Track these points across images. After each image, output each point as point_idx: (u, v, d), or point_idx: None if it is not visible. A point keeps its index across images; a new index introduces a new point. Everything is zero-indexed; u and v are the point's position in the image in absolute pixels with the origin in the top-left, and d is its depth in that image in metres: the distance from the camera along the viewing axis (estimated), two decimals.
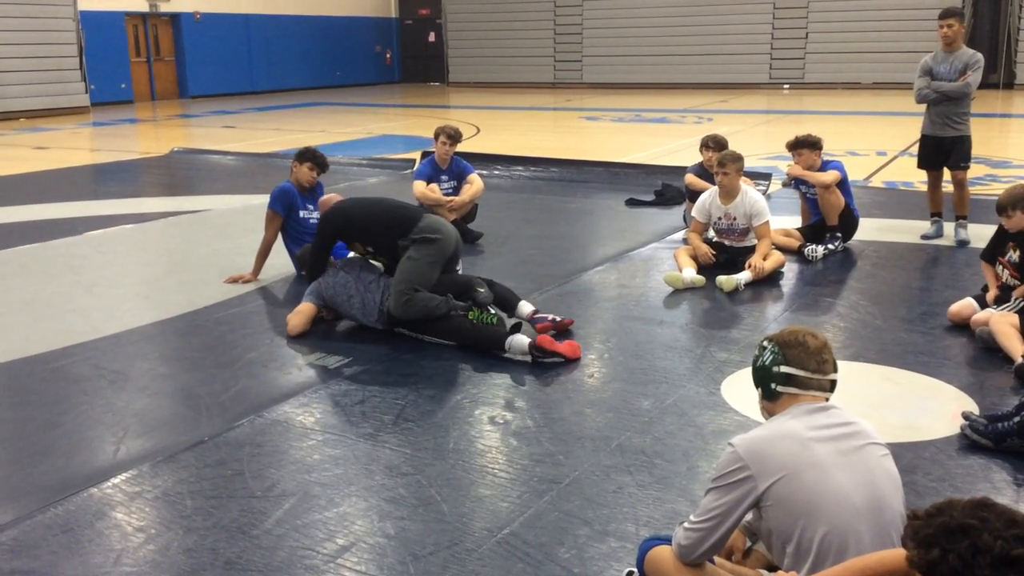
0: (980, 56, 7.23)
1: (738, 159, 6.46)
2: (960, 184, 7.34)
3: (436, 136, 7.78)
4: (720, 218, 6.57)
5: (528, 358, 4.73)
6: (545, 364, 4.70)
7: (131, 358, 5.00)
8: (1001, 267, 5.24)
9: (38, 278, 6.70)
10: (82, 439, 3.96)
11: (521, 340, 4.76)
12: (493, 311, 5.08)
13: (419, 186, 7.73)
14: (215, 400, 4.33)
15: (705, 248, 6.46)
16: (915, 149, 7.72)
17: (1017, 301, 4.95)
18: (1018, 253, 5.14)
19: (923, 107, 7.45)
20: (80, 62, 21.88)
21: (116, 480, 3.54)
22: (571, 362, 4.75)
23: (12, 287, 6.47)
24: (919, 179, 8.11)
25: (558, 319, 5.20)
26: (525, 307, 5.29)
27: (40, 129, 18.41)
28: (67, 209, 9.48)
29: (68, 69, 21.68)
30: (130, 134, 18.21)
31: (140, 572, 2.93)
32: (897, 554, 1.89)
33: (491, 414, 4.13)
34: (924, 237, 7.45)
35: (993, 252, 5.32)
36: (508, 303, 5.27)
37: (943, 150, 7.32)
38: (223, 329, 5.42)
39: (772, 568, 2.52)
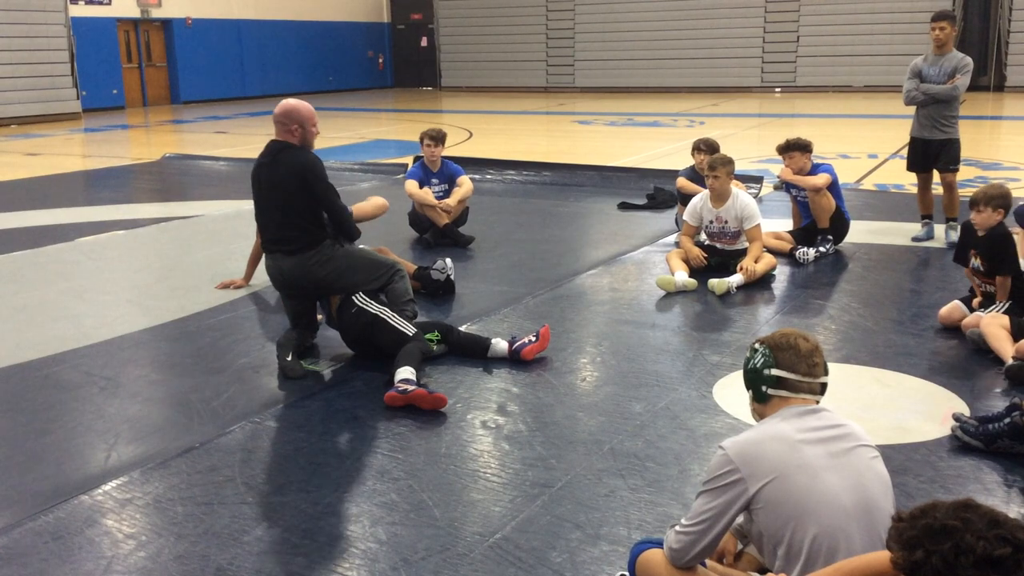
0: (969, 60, 7.26)
1: (728, 163, 6.48)
2: (950, 186, 7.37)
3: (421, 140, 7.84)
4: (711, 221, 6.58)
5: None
6: (536, 368, 4.72)
7: (122, 364, 4.99)
8: (975, 278, 5.25)
9: (29, 284, 6.68)
10: (73, 446, 3.95)
11: (501, 345, 4.84)
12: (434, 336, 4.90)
13: (411, 185, 7.75)
14: (206, 406, 4.32)
15: (697, 251, 6.47)
16: (906, 152, 7.75)
17: (1002, 304, 4.98)
18: (979, 260, 5.17)
19: (913, 109, 7.48)
20: (72, 68, 21.86)
21: (107, 487, 3.53)
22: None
23: (3, 294, 6.45)
24: (910, 182, 8.14)
25: (534, 339, 4.84)
26: (500, 345, 4.85)
27: (32, 135, 18.37)
28: (58, 215, 9.46)
29: (60, 75, 21.66)
30: (122, 140, 18.17)
31: None
32: (884, 556, 1.89)
33: (483, 418, 4.13)
34: (915, 239, 7.47)
35: (963, 258, 5.34)
36: (478, 347, 4.87)
37: (931, 153, 7.35)
38: (215, 335, 5.41)
39: (763, 570, 2.52)
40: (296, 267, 4.79)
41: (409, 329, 4.67)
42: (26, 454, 3.85)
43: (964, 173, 8.07)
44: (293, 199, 4.76)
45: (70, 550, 3.09)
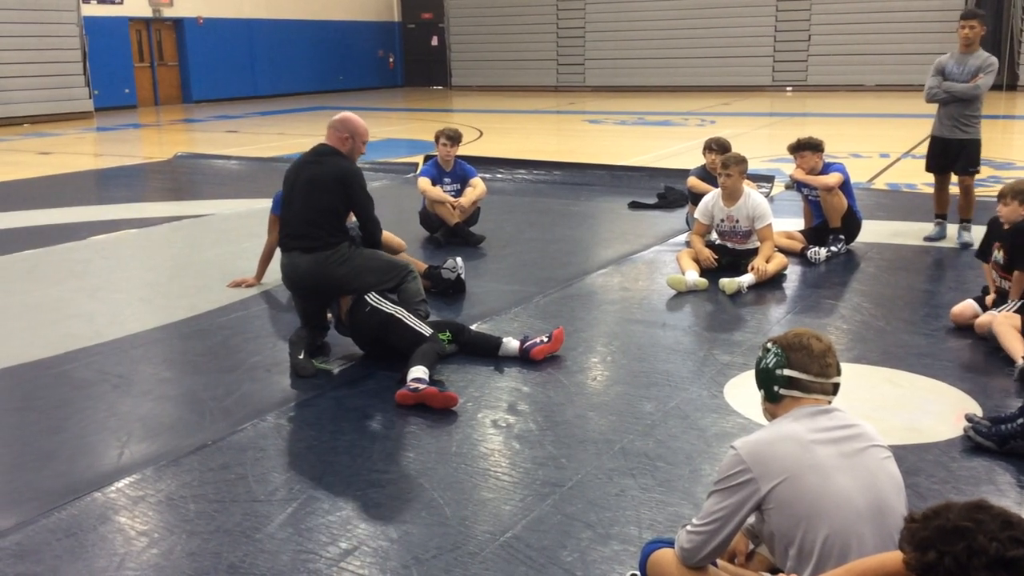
0: (994, 60, 7.12)
1: (741, 161, 6.47)
2: (967, 189, 7.29)
3: (436, 139, 7.82)
4: (723, 220, 6.57)
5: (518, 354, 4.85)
6: (547, 367, 4.72)
7: (134, 362, 5.01)
8: (993, 271, 5.26)
9: (42, 283, 6.71)
10: (86, 443, 3.97)
11: (512, 344, 4.85)
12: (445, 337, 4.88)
13: (424, 182, 7.75)
14: (218, 404, 4.34)
15: (707, 252, 6.45)
16: (918, 151, 7.72)
17: (1014, 302, 4.96)
18: (1002, 253, 5.16)
19: (928, 108, 7.42)
20: (84, 67, 21.95)
21: (120, 484, 3.55)
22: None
23: (16, 292, 6.48)
24: (922, 181, 8.11)
25: (546, 339, 4.86)
26: (511, 344, 4.87)
27: (44, 134, 18.45)
28: (71, 214, 9.50)
29: (72, 74, 21.74)
30: (133, 139, 18.24)
31: None
32: (897, 556, 1.89)
33: (494, 417, 4.13)
34: (927, 239, 7.43)
35: (985, 252, 5.36)
36: (489, 346, 4.90)
37: (951, 153, 7.25)
38: (226, 333, 5.42)
39: (775, 571, 2.52)
40: (313, 264, 4.82)
41: (425, 330, 4.68)
42: (39, 451, 3.87)
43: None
44: (327, 200, 4.85)
45: (83, 547, 3.11)
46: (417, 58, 32.56)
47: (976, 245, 6.97)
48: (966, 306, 5.23)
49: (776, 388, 2.49)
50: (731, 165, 6.40)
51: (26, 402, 4.43)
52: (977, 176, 7.44)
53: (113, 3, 23.56)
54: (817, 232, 7.15)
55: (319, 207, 4.84)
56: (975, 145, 7.24)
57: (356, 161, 5.08)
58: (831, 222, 7.05)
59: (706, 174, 7.65)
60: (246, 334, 5.41)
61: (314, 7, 29.22)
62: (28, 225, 8.93)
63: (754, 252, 6.42)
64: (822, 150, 7.15)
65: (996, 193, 5.35)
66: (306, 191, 4.89)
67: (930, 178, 7.64)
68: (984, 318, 5.00)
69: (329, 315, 5.18)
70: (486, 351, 4.87)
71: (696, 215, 6.72)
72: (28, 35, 20.68)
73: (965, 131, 7.19)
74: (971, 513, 1.69)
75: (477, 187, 7.86)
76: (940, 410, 4.15)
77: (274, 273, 6.48)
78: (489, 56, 30.20)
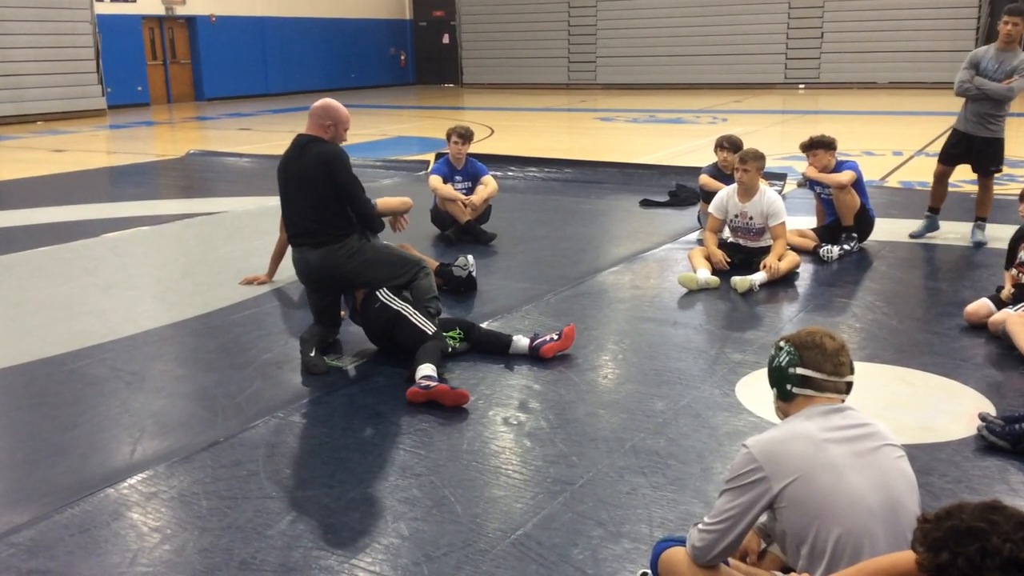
0: None
1: (759, 157, 6.45)
2: (986, 187, 7.22)
3: (448, 136, 7.82)
4: (736, 216, 6.55)
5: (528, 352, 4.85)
6: (558, 365, 4.72)
7: (147, 359, 5.03)
8: (1016, 271, 5.24)
9: (55, 280, 6.75)
10: (98, 440, 3.98)
11: (522, 342, 4.85)
12: (455, 335, 4.90)
13: (436, 180, 7.75)
14: (231, 401, 4.35)
15: (720, 254, 6.41)
16: (931, 149, 7.66)
17: None
18: None
19: (942, 106, 7.37)
20: (97, 65, 22.03)
21: (132, 480, 3.56)
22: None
23: (29, 289, 6.52)
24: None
25: (556, 337, 4.85)
26: (521, 341, 4.87)
27: (57, 132, 18.54)
28: (84, 211, 9.54)
29: (85, 72, 21.83)
30: (146, 136, 18.31)
31: (156, 572, 2.94)
32: (909, 556, 1.88)
33: (505, 415, 4.14)
34: (913, 236, 7.36)
35: (1011, 258, 5.33)
36: (499, 343, 4.89)
37: (972, 149, 7.14)
38: (238, 330, 5.44)
39: (787, 570, 2.51)
40: (323, 259, 4.82)
41: (429, 328, 4.68)
42: (52, 448, 3.89)
43: None
44: (319, 190, 4.81)
45: (96, 543, 3.12)
46: (429, 56, 32.60)
47: (990, 244, 6.97)
48: (980, 304, 5.20)
49: (789, 387, 2.48)
50: (748, 160, 6.39)
51: (39, 398, 4.46)
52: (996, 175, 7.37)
53: (126, 1, 23.65)
54: (830, 230, 7.12)
55: (315, 202, 4.82)
56: (999, 144, 7.11)
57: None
58: (844, 220, 7.02)
59: (718, 172, 7.63)
60: (258, 331, 5.42)
61: (326, 5, 29.28)
62: (41, 222, 8.98)
63: (766, 250, 6.40)
64: (835, 148, 7.11)
65: (1009, 191, 5.32)
66: (298, 187, 4.87)
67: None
68: (998, 316, 4.98)
69: (343, 312, 5.19)
70: (497, 349, 4.88)
71: (710, 209, 6.70)
72: (42, 33, 20.77)
73: (990, 129, 7.05)
74: (985, 514, 1.68)
75: (488, 185, 7.86)
76: (953, 409, 4.13)
77: (286, 270, 6.50)
78: (500, 54, 30.21)
